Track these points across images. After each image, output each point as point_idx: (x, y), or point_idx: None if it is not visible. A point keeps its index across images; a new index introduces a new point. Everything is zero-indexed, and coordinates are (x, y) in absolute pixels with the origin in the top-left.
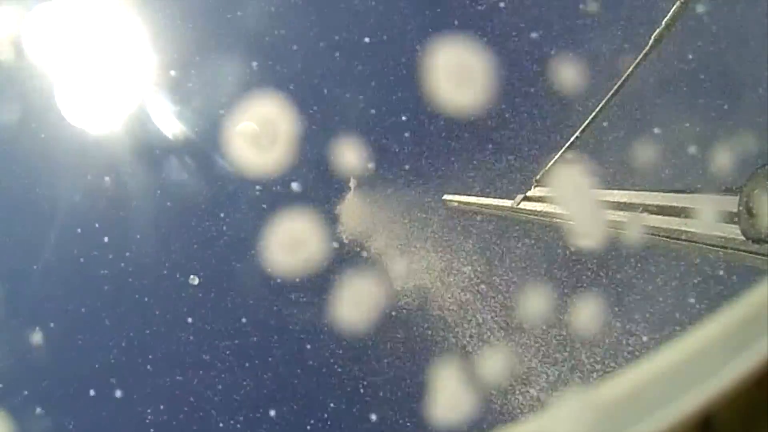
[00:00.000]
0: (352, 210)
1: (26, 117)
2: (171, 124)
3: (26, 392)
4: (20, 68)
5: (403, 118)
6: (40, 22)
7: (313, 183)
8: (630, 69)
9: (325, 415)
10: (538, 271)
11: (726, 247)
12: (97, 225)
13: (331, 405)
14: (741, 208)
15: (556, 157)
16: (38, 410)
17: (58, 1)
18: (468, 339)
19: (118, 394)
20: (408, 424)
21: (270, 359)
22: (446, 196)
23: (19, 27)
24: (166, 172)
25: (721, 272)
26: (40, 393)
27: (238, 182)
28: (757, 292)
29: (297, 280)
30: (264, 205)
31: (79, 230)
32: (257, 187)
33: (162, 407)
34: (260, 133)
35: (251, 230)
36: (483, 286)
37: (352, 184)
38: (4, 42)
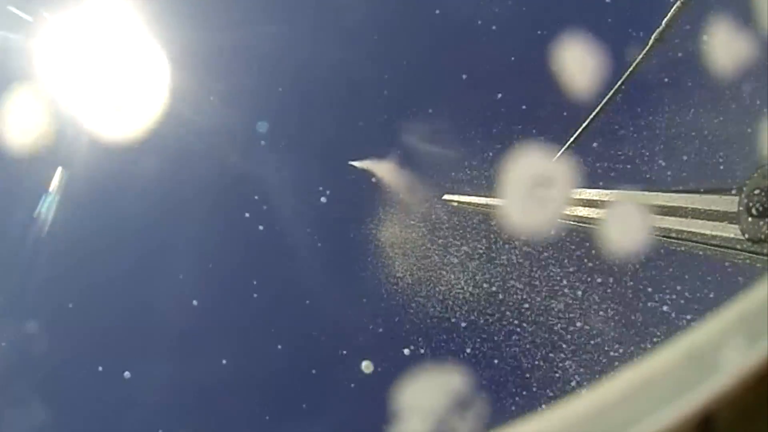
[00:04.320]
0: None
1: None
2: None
3: None
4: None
5: (406, 117)
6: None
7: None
8: (630, 68)
9: None
10: (536, 268)
11: (726, 247)
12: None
13: None
14: (741, 208)
15: (556, 156)
16: None
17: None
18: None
19: None
20: None
21: None
22: (446, 196)
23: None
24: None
25: (722, 272)
26: None
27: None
28: (757, 292)
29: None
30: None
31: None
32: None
33: None
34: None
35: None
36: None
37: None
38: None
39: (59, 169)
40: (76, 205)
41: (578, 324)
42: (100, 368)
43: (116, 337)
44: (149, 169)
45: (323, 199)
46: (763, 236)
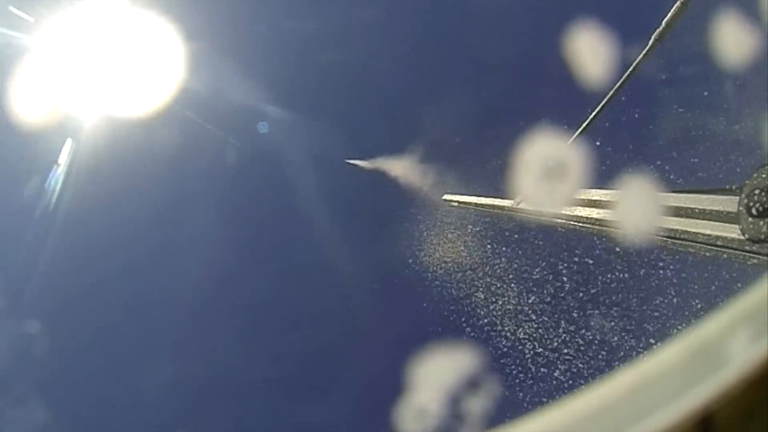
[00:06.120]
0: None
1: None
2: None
3: None
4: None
5: (404, 117)
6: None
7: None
8: (630, 68)
9: None
10: (536, 269)
11: (726, 247)
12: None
13: None
14: (741, 208)
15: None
16: None
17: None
18: None
19: None
20: None
21: None
22: (446, 196)
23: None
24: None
25: (721, 272)
26: None
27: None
28: (756, 291)
29: None
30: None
31: None
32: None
33: None
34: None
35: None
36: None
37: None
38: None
39: (68, 142)
40: (84, 180)
41: (577, 324)
42: (117, 350)
43: (130, 315)
44: (153, 155)
45: (320, 198)
46: (763, 236)
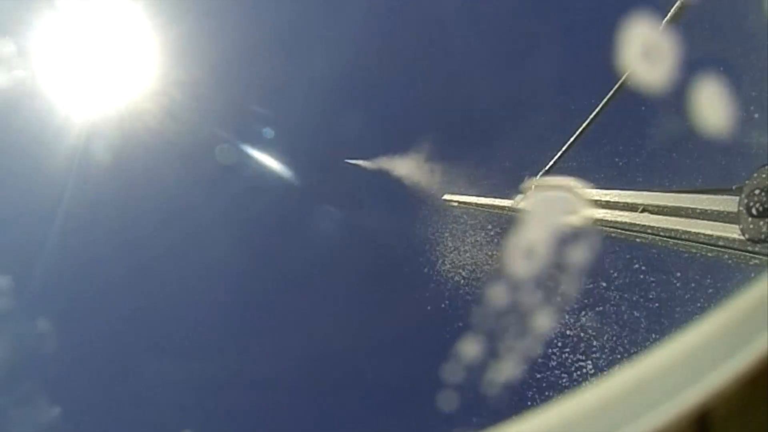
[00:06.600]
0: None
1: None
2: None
3: None
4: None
5: (404, 116)
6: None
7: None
8: (630, 69)
9: None
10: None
11: (726, 247)
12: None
13: None
14: (741, 208)
15: (556, 157)
16: None
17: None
18: None
19: None
20: None
21: None
22: (446, 196)
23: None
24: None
25: (721, 272)
26: None
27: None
28: (755, 291)
29: None
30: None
31: None
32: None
33: None
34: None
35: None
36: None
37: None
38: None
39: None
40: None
41: (577, 324)
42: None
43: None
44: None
45: (320, 199)
46: (763, 236)
